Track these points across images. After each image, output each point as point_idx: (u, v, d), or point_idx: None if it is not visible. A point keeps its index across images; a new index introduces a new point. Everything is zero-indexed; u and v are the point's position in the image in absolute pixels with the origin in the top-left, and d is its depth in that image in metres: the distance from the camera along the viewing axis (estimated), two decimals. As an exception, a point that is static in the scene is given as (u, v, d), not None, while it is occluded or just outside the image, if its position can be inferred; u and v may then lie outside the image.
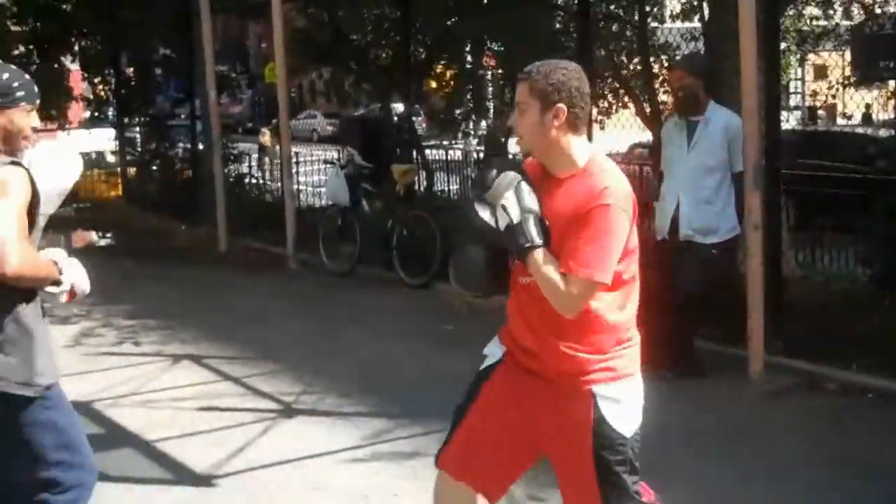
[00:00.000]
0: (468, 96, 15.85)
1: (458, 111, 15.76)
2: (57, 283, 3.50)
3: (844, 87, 16.26)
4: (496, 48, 14.56)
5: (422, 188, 12.64)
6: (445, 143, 15.70)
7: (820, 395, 6.59)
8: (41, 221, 3.60)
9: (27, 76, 3.66)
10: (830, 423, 6.12)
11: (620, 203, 3.25)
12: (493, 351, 3.63)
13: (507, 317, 3.57)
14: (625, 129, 11.92)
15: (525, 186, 3.30)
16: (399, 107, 13.01)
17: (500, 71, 15.10)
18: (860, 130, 16.41)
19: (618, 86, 12.13)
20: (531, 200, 3.29)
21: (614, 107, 12.47)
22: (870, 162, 9.87)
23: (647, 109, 10.52)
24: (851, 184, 9.40)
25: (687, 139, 6.88)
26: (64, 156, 3.96)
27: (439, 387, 6.92)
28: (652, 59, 10.60)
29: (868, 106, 26.32)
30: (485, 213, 3.34)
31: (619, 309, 3.40)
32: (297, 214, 12.01)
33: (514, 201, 3.27)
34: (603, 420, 3.36)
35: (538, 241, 3.25)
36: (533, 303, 3.38)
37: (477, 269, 3.59)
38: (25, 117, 3.60)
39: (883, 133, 15.25)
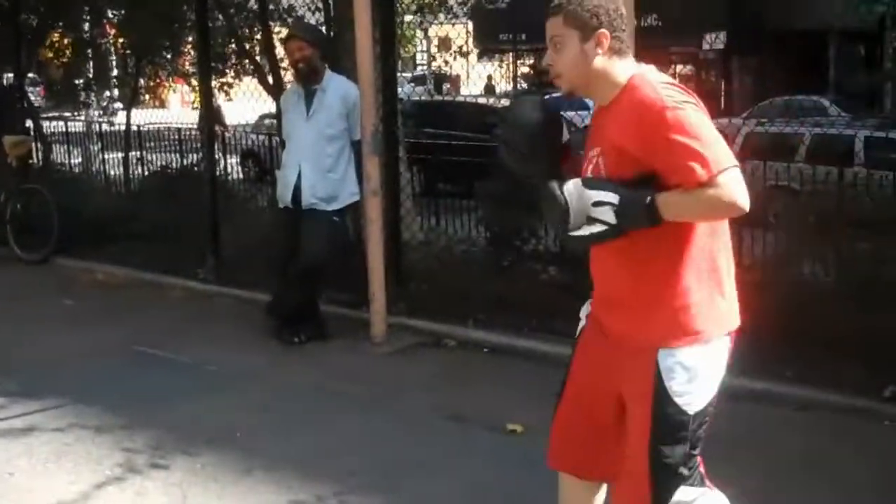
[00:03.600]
0: (88, 66, 15.22)
1: (77, 81, 15.13)
2: None
3: (465, 56, 16.77)
4: (115, 16, 14.05)
5: (39, 161, 12.07)
6: (68, 114, 15.00)
7: (441, 352, 6.87)
8: None
9: None
10: (450, 375, 6.39)
11: (691, 105, 2.82)
12: (583, 313, 3.25)
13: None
14: (253, 98, 11.80)
15: (588, 181, 2.88)
16: (11, 76, 12.32)
17: (121, 40, 14.60)
18: (482, 101, 17.16)
19: (239, 55, 12.02)
20: (604, 180, 2.88)
21: (239, 77, 12.36)
22: (488, 131, 10.32)
23: (270, 79, 10.53)
24: (472, 151, 9.78)
25: (306, 108, 6.92)
26: None
27: (60, 363, 6.72)
28: (273, 26, 10.60)
29: (490, 77, 27.72)
30: (583, 233, 2.87)
31: (691, 246, 2.92)
32: None
33: (597, 200, 2.82)
34: (664, 391, 2.92)
35: (649, 194, 2.80)
36: (605, 253, 3.02)
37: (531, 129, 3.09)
38: None
39: (503, 103, 15.99)
